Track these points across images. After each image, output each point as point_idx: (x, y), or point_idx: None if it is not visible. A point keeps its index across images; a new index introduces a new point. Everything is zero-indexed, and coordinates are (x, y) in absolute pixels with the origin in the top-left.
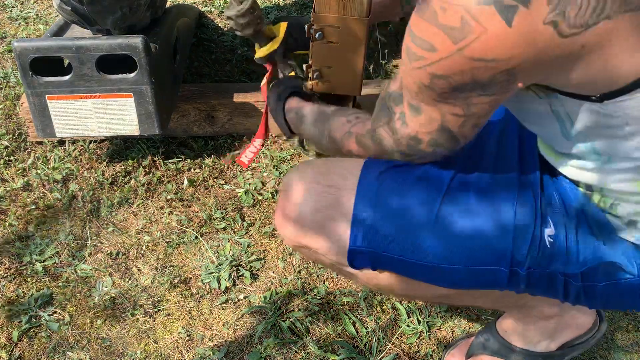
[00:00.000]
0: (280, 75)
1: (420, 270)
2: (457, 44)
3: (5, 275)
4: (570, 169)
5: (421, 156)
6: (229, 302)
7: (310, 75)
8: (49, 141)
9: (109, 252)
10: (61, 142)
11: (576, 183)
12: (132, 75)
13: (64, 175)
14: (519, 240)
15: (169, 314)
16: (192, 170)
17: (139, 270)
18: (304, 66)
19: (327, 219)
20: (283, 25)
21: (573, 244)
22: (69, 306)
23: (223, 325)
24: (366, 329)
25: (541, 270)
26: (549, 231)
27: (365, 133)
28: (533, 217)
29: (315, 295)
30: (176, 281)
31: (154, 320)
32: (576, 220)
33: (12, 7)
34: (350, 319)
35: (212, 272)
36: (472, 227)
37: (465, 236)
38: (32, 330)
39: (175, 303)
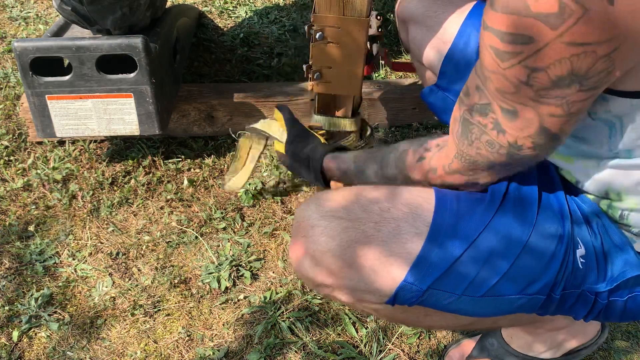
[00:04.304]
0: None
1: (455, 304)
2: (557, 29)
3: (5, 275)
4: (588, 168)
5: (523, 163)
6: (229, 302)
7: (310, 75)
8: (49, 141)
9: (109, 252)
10: (61, 142)
11: (588, 194)
12: (132, 75)
13: (64, 175)
14: (556, 266)
15: (169, 314)
16: (192, 170)
17: (139, 270)
18: (304, 66)
19: (359, 256)
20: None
21: (602, 261)
22: (69, 306)
23: (223, 325)
24: (366, 329)
25: (573, 291)
26: (580, 252)
27: (453, 159)
28: (567, 240)
29: (315, 295)
30: (176, 281)
31: (154, 320)
32: (600, 237)
33: (12, 7)
34: (350, 319)
35: (212, 272)
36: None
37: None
38: (32, 330)
39: (175, 303)
